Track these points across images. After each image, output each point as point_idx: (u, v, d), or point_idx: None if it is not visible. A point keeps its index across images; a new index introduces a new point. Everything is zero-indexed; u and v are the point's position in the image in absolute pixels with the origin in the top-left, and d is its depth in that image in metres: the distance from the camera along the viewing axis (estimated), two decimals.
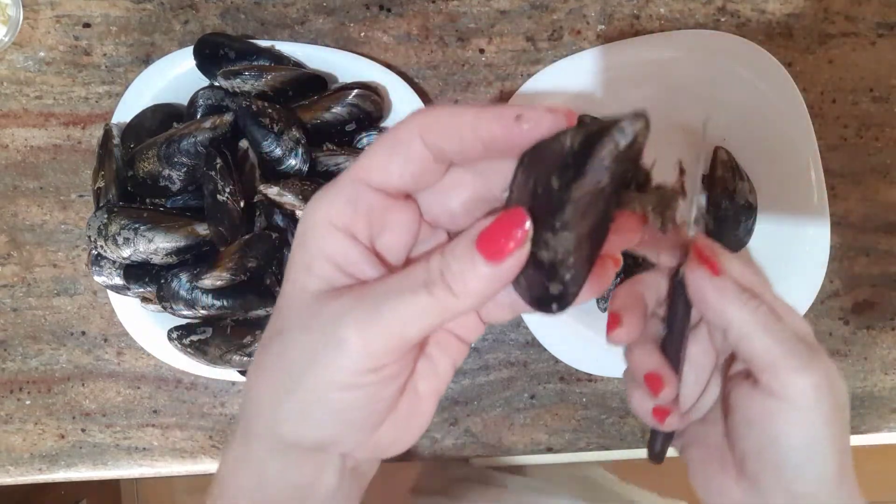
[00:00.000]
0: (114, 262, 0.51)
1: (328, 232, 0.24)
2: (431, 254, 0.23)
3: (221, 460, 0.28)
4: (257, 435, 0.25)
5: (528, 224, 0.21)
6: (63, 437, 0.59)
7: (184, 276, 0.49)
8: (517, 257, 0.22)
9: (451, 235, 0.27)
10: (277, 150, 0.49)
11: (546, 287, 0.22)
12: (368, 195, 0.24)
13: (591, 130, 0.20)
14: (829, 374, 0.29)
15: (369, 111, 0.51)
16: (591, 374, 0.57)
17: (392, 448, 0.27)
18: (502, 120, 0.22)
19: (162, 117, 0.52)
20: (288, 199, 0.48)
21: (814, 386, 0.28)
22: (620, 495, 0.60)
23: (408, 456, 0.59)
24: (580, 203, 0.21)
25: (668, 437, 0.33)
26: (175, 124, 0.51)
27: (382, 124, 0.54)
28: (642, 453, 0.61)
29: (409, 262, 0.26)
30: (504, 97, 0.55)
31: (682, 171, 0.26)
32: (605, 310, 0.54)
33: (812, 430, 0.28)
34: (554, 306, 0.23)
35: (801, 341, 0.29)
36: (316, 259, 0.24)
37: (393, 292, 0.22)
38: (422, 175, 0.24)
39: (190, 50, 0.51)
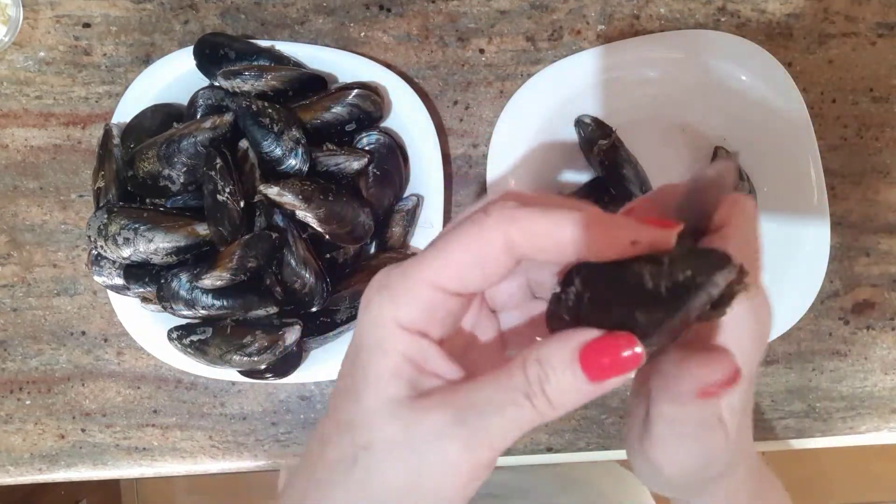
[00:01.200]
0: (114, 262, 0.51)
1: (402, 334, 0.22)
2: (523, 358, 0.22)
3: None
4: None
5: (640, 350, 0.20)
6: (63, 437, 0.59)
7: (184, 276, 0.49)
8: (621, 380, 0.21)
9: (497, 312, 0.27)
10: (277, 150, 0.49)
11: None
12: (446, 303, 0.23)
13: (679, 280, 0.20)
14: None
15: (369, 111, 0.51)
16: None
17: None
18: (616, 245, 0.21)
19: (162, 117, 0.52)
20: (288, 199, 0.48)
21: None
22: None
23: None
24: (664, 333, 0.21)
25: None
26: (175, 124, 0.51)
27: (382, 124, 0.54)
28: None
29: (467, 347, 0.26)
30: (504, 97, 0.55)
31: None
32: None
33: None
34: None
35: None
36: (400, 365, 0.22)
37: (491, 405, 0.21)
38: (500, 277, 0.23)
39: (190, 50, 0.51)
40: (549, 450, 0.58)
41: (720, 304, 0.21)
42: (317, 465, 0.24)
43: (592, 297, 0.22)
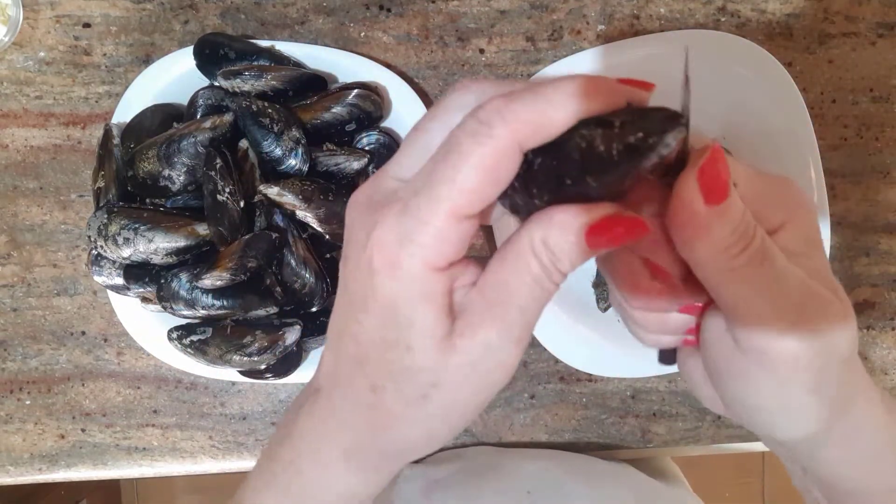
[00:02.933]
0: (114, 262, 0.51)
1: (442, 276, 0.22)
2: (530, 240, 0.22)
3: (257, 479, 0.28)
4: (331, 458, 0.26)
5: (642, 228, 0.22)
6: (63, 437, 0.59)
7: (184, 276, 0.49)
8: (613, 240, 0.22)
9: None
10: (277, 150, 0.49)
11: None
12: (471, 225, 0.22)
13: (631, 143, 0.20)
14: (819, 335, 0.23)
15: (369, 111, 0.51)
16: (591, 374, 0.57)
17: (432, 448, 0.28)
18: (613, 96, 0.21)
19: (162, 117, 0.52)
20: (288, 199, 0.48)
21: (793, 353, 0.23)
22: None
23: None
24: (611, 195, 0.21)
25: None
26: (175, 124, 0.51)
27: (382, 124, 0.54)
28: (642, 453, 0.61)
29: None
30: None
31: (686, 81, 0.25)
32: (605, 310, 0.54)
33: (790, 398, 0.24)
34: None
35: (789, 294, 0.23)
36: (436, 303, 0.23)
37: (521, 297, 0.23)
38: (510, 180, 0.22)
39: (190, 50, 0.51)
40: (550, 448, 0.58)
41: (674, 166, 0.22)
42: (369, 414, 0.25)
43: (543, 163, 0.21)
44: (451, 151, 0.21)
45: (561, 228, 0.22)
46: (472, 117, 0.21)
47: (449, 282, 0.23)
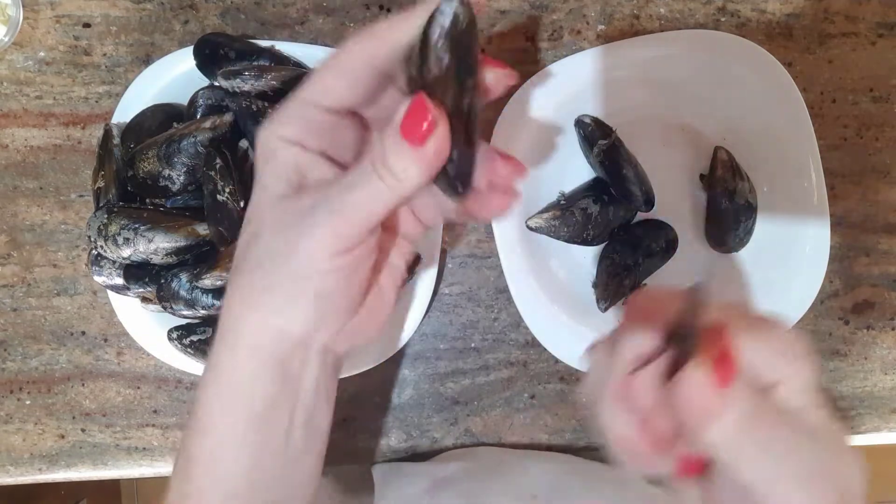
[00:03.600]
0: (114, 262, 0.51)
1: (285, 145, 0.27)
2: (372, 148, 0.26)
3: (200, 384, 0.29)
4: (245, 339, 0.28)
5: (432, 108, 0.24)
6: (63, 437, 0.59)
7: (184, 276, 0.49)
8: (436, 137, 0.25)
9: None
10: None
11: (445, 172, 0.26)
12: (318, 114, 0.27)
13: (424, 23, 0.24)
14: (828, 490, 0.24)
15: None
16: None
17: (360, 336, 0.30)
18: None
19: (162, 117, 0.52)
20: None
21: None
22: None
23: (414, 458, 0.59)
24: (436, 88, 0.24)
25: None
26: (175, 124, 0.51)
27: None
28: None
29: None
30: (504, 96, 0.55)
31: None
32: (604, 310, 0.54)
33: None
34: (458, 186, 0.27)
35: (803, 460, 0.23)
36: (280, 167, 0.27)
37: (351, 185, 0.26)
38: (370, 91, 0.27)
39: (190, 50, 0.51)
40: (549, 450, 0.58)
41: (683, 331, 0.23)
42: (232, 267, 0.29)
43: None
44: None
45: (389, 124, 0.25)
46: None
47: (296, 157, 0.27)
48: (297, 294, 0.26)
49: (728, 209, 0.52)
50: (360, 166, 0.26)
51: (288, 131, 0.27)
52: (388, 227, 0.31)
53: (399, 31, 0.25)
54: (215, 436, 0.29)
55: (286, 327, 0.27)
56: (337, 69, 0.27)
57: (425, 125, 0.24)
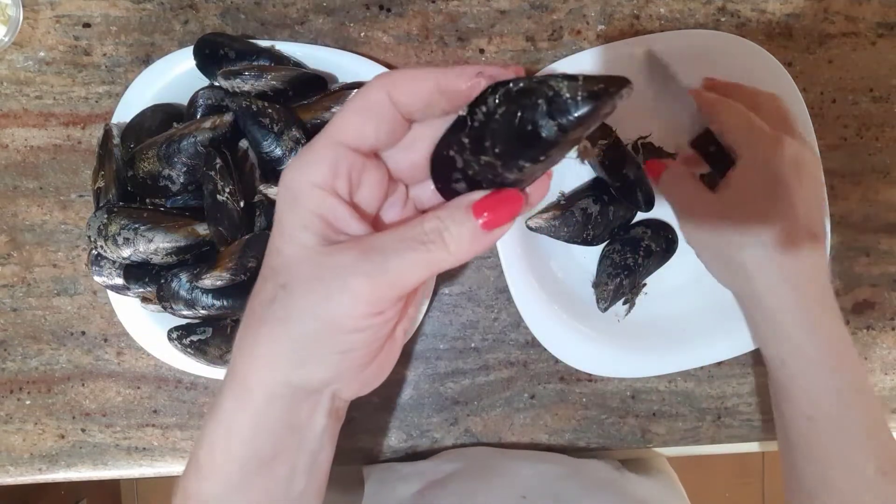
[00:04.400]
0: (114, 262, 0.51)
1: (316, 193, 0.26)
2: (425, 215, 0.26)
3: (208, 420, 0.29)
4: (261, 387, 0.28)
5: (522, 205, 0.25)
6: (63, 437, 0.59)
7: (184, 276, 0.49)
8: (506, 229, 0.26)
9: (409, 187, 0.30)
10: (277, 150, 0.49)
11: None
12: (347, 156, 0.26)
13: (595, 90, 0.23)
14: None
15: None
16: (591, 374, 0.57)
17: (371, 384, 0.30)
18: (465, 76, 0.25)
19: (162, 117, 0.52)
20: None
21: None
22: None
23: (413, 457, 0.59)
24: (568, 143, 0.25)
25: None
26: (175, 124, 0.51)
27: None
28: (641, 453, 0.61)
29: (378, 217, 0.30)
30: None
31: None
32: (605, 310, 0.54)
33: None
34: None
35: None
36: (310, 218, 0.26)
37: (396, 249, 0.25)
38: (392, 133, 0.27)
39: (190, 50, 0.51)
40: (549, 450, 0.58)
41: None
42: (247, 314, 0.28)
43: (504, 113, 0.25)
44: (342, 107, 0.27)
45: (455, 201, 0.26)
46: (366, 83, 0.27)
47: (324, 204, 0.26)
48: (323, 351, 0.26)
49: None
50: (406, 230, 0.26)
51: (316, 174, 0.26)
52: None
53: (426, 80, 0.25)
54: (216, 481, 0.29)
55: (304, 381, 0.27)
56: (364, 109, 0.26)
57: (507, 217, 0.25)
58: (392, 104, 0.26)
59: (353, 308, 0.25)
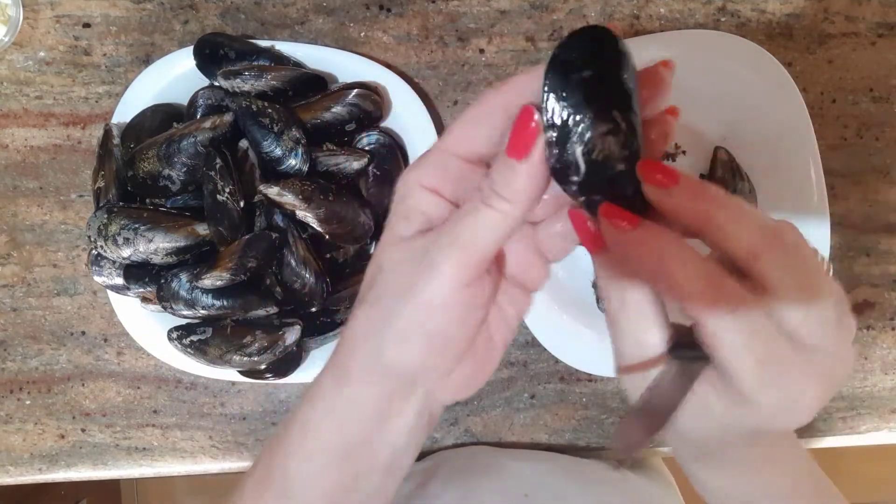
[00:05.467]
0: (114, 262, 0.51)
1: (419, 190, 0.28)
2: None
3: (304, 400, 0.30)
4: (356, 368, 0.28)
5: (536, 115, 0.24)
6: (63, 437, 0.59)
7: (184, 276, 0.49)
8: (539, 146, 0.24)
9: None
10: (277, 150, 0.49)
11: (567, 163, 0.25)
12: (455, 163, 0.27)
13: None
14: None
15: (369, 111, 0.51)
16: (591, 374, 0.57)
17: (465, 389, 0.30)
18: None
19: (162, 117, 0.52)
20: (288, 199, 0.48)
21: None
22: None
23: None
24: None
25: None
26: (175, 124, 0.51)
27: (382, 124, 0.54)
28: (641, 453, 0.61)
29: None
30: None
31: None
32: (605, 310, 0.54)
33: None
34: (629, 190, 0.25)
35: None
36: (411, 211, 0.28)
37: (462, 216, 0.26)
38: (503, 141, 0.27)
39: (190, 50, 0.51)
40: (549, 450, 0.58)
41: None
42: (355, 303, 0.30)
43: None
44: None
45: (494, 162, 0.26)
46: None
47: (428, 202, 0.28)
48: (412, 328, 0.27)
49: None
50: (468, 200, 0.27)
51: (424, 177, 0.28)
52: (498, 271, 0.30)
53: (536, 82, 0.25)
54: (301, 456, 0.30)
55: (396, 360, 0.28)
56: (476, 119, 0.27)
57: (528, 134, 0.24)
58: (506, 113, 0.26)
59: (438, 283, 0.26)
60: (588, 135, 0.24)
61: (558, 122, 0.24)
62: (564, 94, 0.24)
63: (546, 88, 0.24)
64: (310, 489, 0.30)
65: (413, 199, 0.28)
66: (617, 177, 0.25)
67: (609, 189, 0.25)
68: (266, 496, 0.31)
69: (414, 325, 0.27)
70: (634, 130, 0.24)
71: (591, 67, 0.24)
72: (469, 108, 0.27)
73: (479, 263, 0.26)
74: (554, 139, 0.24)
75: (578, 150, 0.24)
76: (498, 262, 0.29)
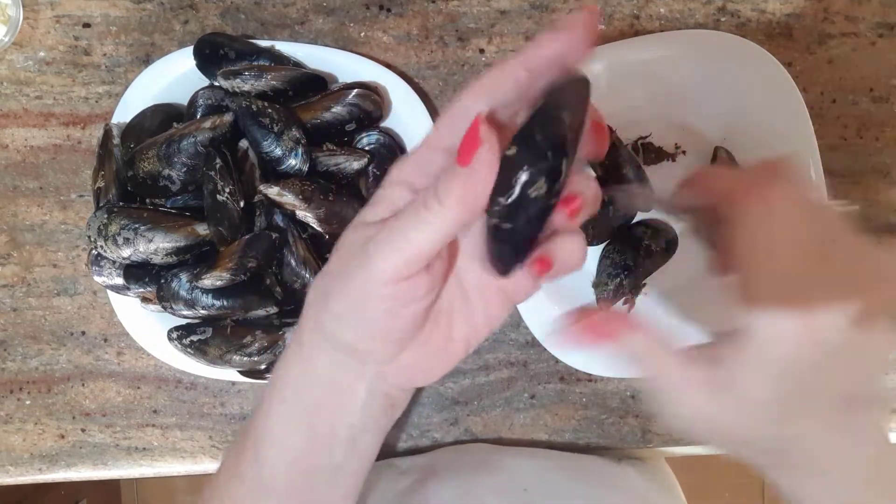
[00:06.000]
0: (114, 262, 0.51)
1: (392, 184, 0.29)
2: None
3: (278, 364, 0.33)
4: (309, 331, 0.30)
5: (483, 127, 0.25)
6: (63, 437, 0.59)
7: (184, 276, 0.49)
8: (482, 153, 0.25)
9: None
10: (277, 150, 0.49)
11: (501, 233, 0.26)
12: (440, 157, 0.28)
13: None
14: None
15: (369, 111, 0.51)
16: (591, 374, 0.57)
17: (418, 377, 0.31)
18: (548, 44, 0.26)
19: (162, 117, 0.52)
20: (288, 199, 0.48)
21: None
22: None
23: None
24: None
25: None
26: (175, 124, 0.51)
27: (382, 124, 0.54)
28: (641, 453, 0.61)
29: None
30: None
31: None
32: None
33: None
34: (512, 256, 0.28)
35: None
36: (380, 199, 0.29)
37: (401, 216, 0.27)
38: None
39: (190, 50, 0.51)
40: (550, 448, 0.58)
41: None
42: (336, 263, 0.30)
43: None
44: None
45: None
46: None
47: (399, 194, 0.29)
48: (345, 311, 0.28)
49: None
50: (414, 202, 0.27)
51: (403, 169, 0.29)
52: (447, 267, 0.31)
53: (508, 78, 0.26)
54: (269, 414, 0.32)
55: (335, 335, 0.29)
56: (458, 113, 0.27)
57: (475, 143, 0.25)
58: (488, 106, 0.27)
59: (367, 275, 0.27)
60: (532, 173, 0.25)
61: (511, 153, 0.25)
62: (527, 134, 0.25)
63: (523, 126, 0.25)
64: (277, 452, 0.32)
65: (388, 188, 0.29)
66: (536, 216, 0.26)
67: (523, 223, 0.26)
68: (240, 459, 0.33)
69: (346, 308, 0.28)
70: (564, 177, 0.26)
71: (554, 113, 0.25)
72: (452, 101, 0.28)
73: (410, 263, 0.26)
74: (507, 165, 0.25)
75: (523, 178, 0.25)
76: (451, 258, 0.30)
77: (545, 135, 0.24)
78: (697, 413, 0.30)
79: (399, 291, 0.27)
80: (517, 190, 0.25)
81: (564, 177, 0.25)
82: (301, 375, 0.31)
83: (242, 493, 0.33)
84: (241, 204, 0.48)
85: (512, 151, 0.25)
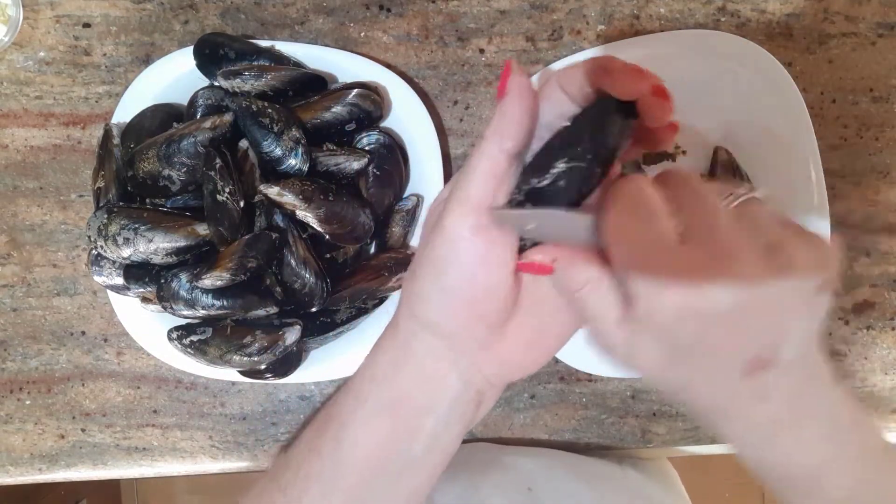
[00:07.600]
0: (114, 262, 0.51)
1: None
2: None
3: (373, 347, 0.33)
4: (404, 317, 0.31)
5: (515, 63, 0.27)
6: (63, 437, 0.59)
7: (184, 276, 0.49)
8: (514, 79, 0.27)
9: None
10: (277, 150, 0.49)
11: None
12: (509, 166, 0.28)
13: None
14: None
15: (369, 111, 0.51)
16: (591, 374, 0.57)
17: (513, 369, 0.31)
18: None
19: (162, 117, 0.52)
20: (288, 199, 0.48)
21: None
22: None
23: None
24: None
25: None
26: (175, 124, 0.51)
27: (382, 124, 0.54)
28: (642, 453, 0.61)
29: None
30: None
31: None
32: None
33: None
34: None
35: None
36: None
37: (460, 173, 0.28)
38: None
39: (190, 50, 0.51)
40: (551, 448, 0.58)
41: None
42: (419, 244, 0.31)
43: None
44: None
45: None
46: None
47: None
48: (427, 286, 0.29)
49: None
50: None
51: (483, 194, 0.29)
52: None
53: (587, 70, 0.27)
54: (359, 397, 0.32)
55: (424, 316, 0.30)
56: (511, 120, 0.28)
57: (506, 75, 0.26)
58: (563, 92, 0.28)
59: (442, 238, 0.28)
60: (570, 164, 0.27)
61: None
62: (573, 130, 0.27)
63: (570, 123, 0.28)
64: (359, 433, 0.31)
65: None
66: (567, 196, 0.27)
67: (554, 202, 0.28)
68: (321, 432, 0.33)
69: (427, 281, 0.29)
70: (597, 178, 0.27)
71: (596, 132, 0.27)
72: (501, 106, 0.29)
73: (476, 206, 0.27)
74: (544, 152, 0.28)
75: (560, 167, 0.27)
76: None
77: (594, 142, 0.26)
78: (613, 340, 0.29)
79: (478, 248, 0.27)
80: (548, 178, 0.27)
81: (594, 186, 0.27)
82: (394, 360, 0.31)
83: (318, 468, 0.33)
84: (241, 204, 0.48)
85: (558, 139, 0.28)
